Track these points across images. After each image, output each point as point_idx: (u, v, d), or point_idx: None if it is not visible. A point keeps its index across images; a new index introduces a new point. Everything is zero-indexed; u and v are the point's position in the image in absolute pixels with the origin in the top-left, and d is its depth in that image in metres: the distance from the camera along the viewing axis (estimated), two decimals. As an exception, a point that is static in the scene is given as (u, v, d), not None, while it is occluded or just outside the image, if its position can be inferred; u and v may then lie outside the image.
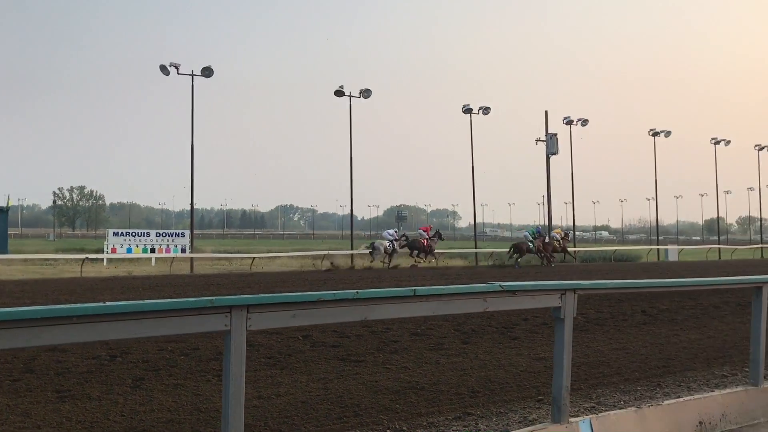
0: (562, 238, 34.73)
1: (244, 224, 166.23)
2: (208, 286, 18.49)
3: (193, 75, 30.55)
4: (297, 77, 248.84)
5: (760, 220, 69.30)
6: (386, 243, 30.46)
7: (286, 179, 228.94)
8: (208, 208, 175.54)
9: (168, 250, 30.93)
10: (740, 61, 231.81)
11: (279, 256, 33.39)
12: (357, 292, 3.46)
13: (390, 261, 30.07)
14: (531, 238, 33.17)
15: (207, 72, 30.70)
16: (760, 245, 54.63)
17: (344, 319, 3.52)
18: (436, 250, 31.92)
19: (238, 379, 3.16)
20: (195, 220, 35.82)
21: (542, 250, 32.79)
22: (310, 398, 5.53)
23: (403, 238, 31.15)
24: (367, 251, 30.89)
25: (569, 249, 36.18)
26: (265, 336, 8.12)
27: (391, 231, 32.37)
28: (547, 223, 42.91)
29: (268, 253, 35.07)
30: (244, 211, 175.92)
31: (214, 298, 3.12)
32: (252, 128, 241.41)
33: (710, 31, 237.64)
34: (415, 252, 30.61)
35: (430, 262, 31.46)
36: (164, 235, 32.48)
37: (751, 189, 67.63)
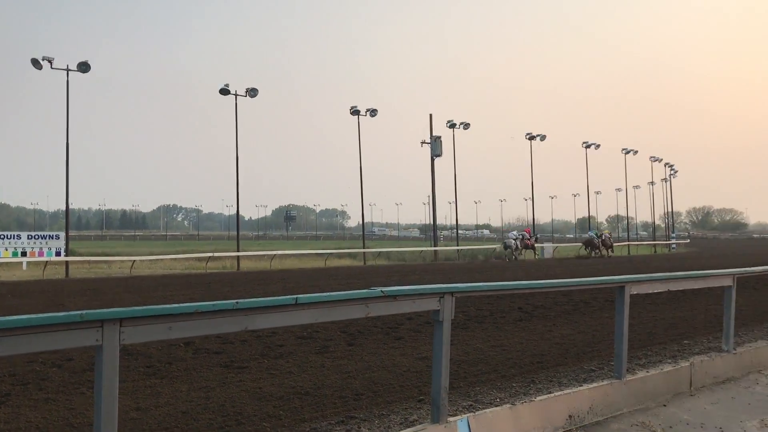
0: (609, 237, 46.60)
1: (125, 225, 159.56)
2: (84, 291, 17.62)
3: (68, 70, 28.95)
4: (181, 75, 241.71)
5: (627, 219, 74.02)
6: (512, 242, 39.56)
7: (169, 178, 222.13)
8: (86, 208, 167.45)
9: (41, 254, 29.23)
10: (610, 69, 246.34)
11: (161, 259, 32.29)
12: (237, 302, 3.43)
13: (515, 256, 39.19)
14: (596, 236, 44.46)
15: (83, 67, 29.18)
16: (627, 242, 58.27)
17: (223, 330, 3.47)
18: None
19: (110, 396, 3.05)
20: (71, 221, 33.97)
21: (603, 245, 44.22)
22: (191, 408, 5.41)
23: (521, 237, 40.63)
24: (503, 248, 40.65)
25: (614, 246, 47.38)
26: (145, 344, 7.84)
27: (514, 233, 42.37)
28: (432, 222, 44.12)
29: (149, 255, 33.84)
30: (124, 211, 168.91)
31: (83, 312, 3.00)
32: (133, 126, 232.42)
33: (582, 39, 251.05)
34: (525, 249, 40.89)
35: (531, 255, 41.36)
36: (37, 237, 30.65)
37: (618, 190, 72.20)
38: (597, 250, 43.84)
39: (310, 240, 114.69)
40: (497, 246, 49.88)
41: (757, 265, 9.02)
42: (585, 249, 44.32)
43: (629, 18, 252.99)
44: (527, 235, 41.55)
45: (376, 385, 6.14)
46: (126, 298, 15.36)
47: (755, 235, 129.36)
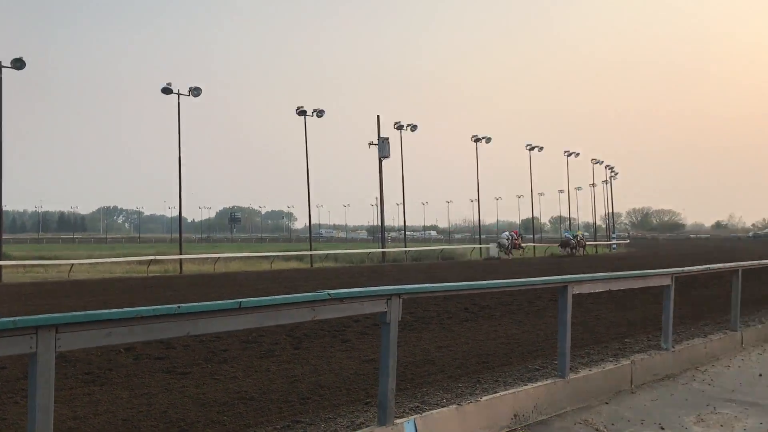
0: (583, 238, 52.64)
1: (62, 227, 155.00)
2: (19, 296, 17.04)
3: (1, 66, 27.93)
4: (121, 73, 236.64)
5: (569, 220, 75.72)
6: (505, 241, 44.66)
7: (110, 179, 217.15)
8: (21, 210, 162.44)
9: (-28, 258, 28.06)
10: (552, 71, 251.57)
11: (101, 262, 31.46)
12: (179, 307, 3.34)
13: (509, 254, 44.08)
14: (571, 237, 50.24)
15: (18, 64, 28.16)
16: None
17: (165, 335, 3.39)
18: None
19: (45, 405, 2.93)
20: (5, 223, 32.76)
21: (578, 245, 49.58)
22: (132, 415, 5.26)
23: (512, 237, 45.54)
24: (497, 247, 45.94)
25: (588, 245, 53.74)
26: (83, 350, 7.60)
27: (507, 234, 46.75)
28: (379, 223, 44.27)
29: (89, 258, 32.93)
30: (62, 213, 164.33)
31: (17, 318, 2.88)
32: (71, 125, 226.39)
33: (525, 42, 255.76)
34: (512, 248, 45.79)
35: (519, 254, 46.04)
36: (-33, 240, 29.41)
37: (561, 191, 73.79)
38: (573, 249, 49.24)
39: (256, 242, 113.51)
40: (444, 247, 50.48)
41: (694, 265, 9.30)
42: (562, 248, 49.78)
43: (569, 22, 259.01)
44: (515, 236, 46.60)
45: (322, 389, 6.09)
46: (63, 303, 14.90)
47: (692, 236, 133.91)
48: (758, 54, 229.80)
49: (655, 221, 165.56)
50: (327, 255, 39.97)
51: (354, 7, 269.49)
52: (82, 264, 29.86)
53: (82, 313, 3.08)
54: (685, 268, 8.33)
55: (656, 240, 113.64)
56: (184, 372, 6.85)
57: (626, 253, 53.34)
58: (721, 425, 5.16)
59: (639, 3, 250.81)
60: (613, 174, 70.49)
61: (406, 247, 46.38)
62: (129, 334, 3.25)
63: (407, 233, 52.85)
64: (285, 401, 5.66)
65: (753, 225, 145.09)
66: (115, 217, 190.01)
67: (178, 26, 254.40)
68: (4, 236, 31.45)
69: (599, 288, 6.76)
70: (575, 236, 51.08)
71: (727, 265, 9.43)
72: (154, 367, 7.13)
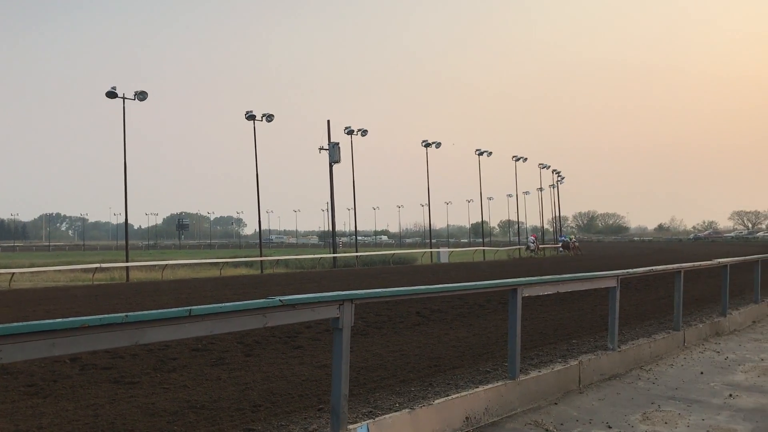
0: (575, 241, 62.99)
1: (2, 235, 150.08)
2: (-44, 307, 16.38)
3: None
4: (65, 75, 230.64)
5: (518, 223, 76.81)
6: (531, 244, 54.61)
7: (52, 185, 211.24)
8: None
9: None
10: (499, 79, 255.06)
11: (44, 271, 30.55)
12: (126, 315, 3.27)
13: (536, 253, 53.74)
14: (568, 240, 60.20)
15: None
16: (517, 246, 60.57)
17: (112, 345, 3.31)
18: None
19: (-14, 420, 2.84)
20: (-60, 233, 31.55)
21: (574, 247, 58.21)
22: (77, 428, 5.13)
23: (535, 241, 55.84)
24: (526, 249, 56.06)
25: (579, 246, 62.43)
26: (26, 361, 7.36)
27: (532, 238, 57.15)
28: (330, 228, 44.09)
29: (30, 267, 31.95)
30: (1, 221, 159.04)
31: (-45, 330, 2.77)
32: (11, 129, 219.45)
33: (470, 49, 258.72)
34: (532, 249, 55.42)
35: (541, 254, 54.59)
36: None
37: (509, 195, 74.87)
38: (571, 250, 57.25)
39: (204, 249, 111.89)
40: (396, 251, 50.64)
41: (638, 267, 9.53)
42: (565, 250, 58.28)
43: (515, 29, 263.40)
44: (533, 239, 56.79)
45: (274, 396, 6.04)
46: (4, 313, 14.42)
47: (635, 238, 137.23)
48: (700, 62, 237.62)
49: (600, 224, 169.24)
50: (278, 261, 39.67)
51: (303, 11, 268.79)
52: (24, 273, 28.95)
53: (25, 323, 2.99)
54: (630, 270, 8.52)
55: (602, 242, 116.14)
56: (132, 382, 6.70)
57: (571, 256, 54.42)
58: (666, 422, 5.30)
59: (582, 9, 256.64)
60: (559, 178, 72.00)
61: (357, 252, 46.35)
62: (74, 344, 3.16)
63: (358, 238, 52.87)
64: (236, 409, 5.59)
65: (694, 228, 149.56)
66: (58, 225, 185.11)
67: (123, 29, 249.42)
68: (-60, 245, 30.29)
69: (548, 290, 6.86)
70: (570, 239, 61.20)
71: (670, 266, 9.70)
72: (101, 377, 6.95)
